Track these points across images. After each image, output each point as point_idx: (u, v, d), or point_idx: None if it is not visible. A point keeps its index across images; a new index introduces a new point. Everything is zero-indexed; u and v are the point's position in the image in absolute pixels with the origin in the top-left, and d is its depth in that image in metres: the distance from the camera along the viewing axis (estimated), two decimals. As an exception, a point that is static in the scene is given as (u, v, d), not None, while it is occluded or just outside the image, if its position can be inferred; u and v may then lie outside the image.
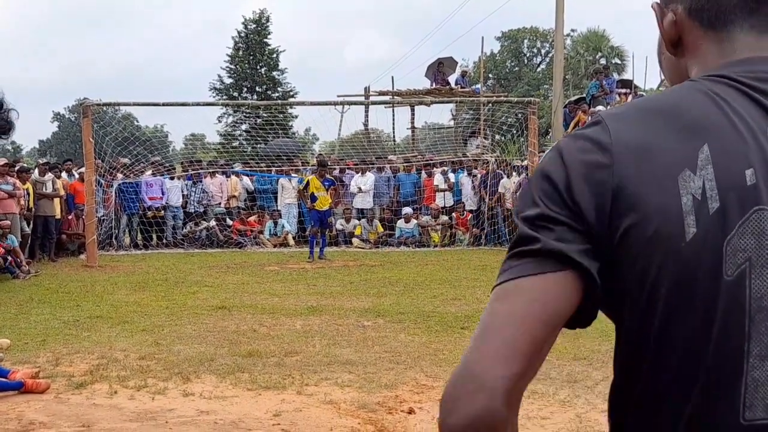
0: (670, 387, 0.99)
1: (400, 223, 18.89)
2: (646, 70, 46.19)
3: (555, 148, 1.04)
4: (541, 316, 0.98)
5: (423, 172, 20.02)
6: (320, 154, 22.77)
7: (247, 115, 36.20)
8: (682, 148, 0.98)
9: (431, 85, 25.22)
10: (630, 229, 0.97)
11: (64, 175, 17.53)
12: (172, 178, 19.07)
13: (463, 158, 20.92)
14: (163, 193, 18.62)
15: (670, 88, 1.08)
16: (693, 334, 0.96)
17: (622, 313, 1.03)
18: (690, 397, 0.97)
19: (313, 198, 14.84)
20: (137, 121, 45.15)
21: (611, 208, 0.98)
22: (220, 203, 19.49)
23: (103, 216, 17.37)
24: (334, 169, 19.94)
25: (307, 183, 15.17)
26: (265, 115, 29.61)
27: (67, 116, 63.80)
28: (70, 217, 16.69)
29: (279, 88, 43.02)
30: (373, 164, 20.47)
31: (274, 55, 43.15)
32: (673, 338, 0.98)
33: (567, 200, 1.00)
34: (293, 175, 19.99)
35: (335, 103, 21.26)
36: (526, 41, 56.45)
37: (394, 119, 28.03)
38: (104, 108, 17.87)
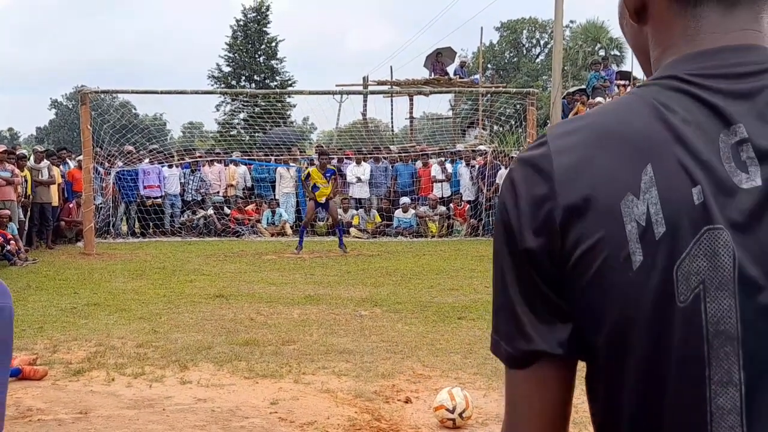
0: (637, 421, 0.94)
1: (398, 213, 18.89)
2: (645, 61, 46.09)
3: (509, 178, 1.00)
4: (546, 406, 0.99)
5: (420, 162, 20.01)
6: (320, 145, 22.72)
7: (245, 103, 36.12)
8: (625, 172, 0.92)
9: (430, 75, 25.18)
10: (578, 263, 0.92)
11: (71, 164, 17.51)
12: (170, 166, 19.06)
13: (462, 150, 20.89)
14: (160, 182, 18.61)
15: (618, 100, 1.01)
16: (650, 366, 0.91)
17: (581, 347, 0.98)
18: (659, 430, 0.93)
19: (315, 188, 14.83)
20: (135, 109, 45.13)
21: (561, 244, 0.93)
22: (218, 192, 19.50)
23: (101, 204, 17.36)
24: (333, 158, 19.93)
25: (308, 174, 15.14)
26: (263, 103, 29.52)
27: (64, 103, 63.67)
28: (71, 205, 16.68)
29: (277, 77, 42.95)
30: (371, 154, 20.46)
31: (273, 44, 43.07)
32: (631, 373, 0.93)
33: (520, 250, 0.96)
34: (291, 164, 19.97)
35: (334, 93, 21.22)
36: (525, 32, 56.39)
37: (392, 109, 28.04)
38: (102, 95, 17.82)
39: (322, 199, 14.85)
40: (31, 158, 15.78)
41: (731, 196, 0.89)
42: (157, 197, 18.58)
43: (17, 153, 15.23)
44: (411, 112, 27.17)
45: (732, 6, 0.98)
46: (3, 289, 1.31)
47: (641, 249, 0.89)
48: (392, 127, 30.34)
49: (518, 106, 21.02)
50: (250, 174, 20.19)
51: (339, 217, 17.50)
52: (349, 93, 23.27)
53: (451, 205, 19.03)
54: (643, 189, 0.90)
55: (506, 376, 1.01)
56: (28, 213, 15.02)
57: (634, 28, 1.07)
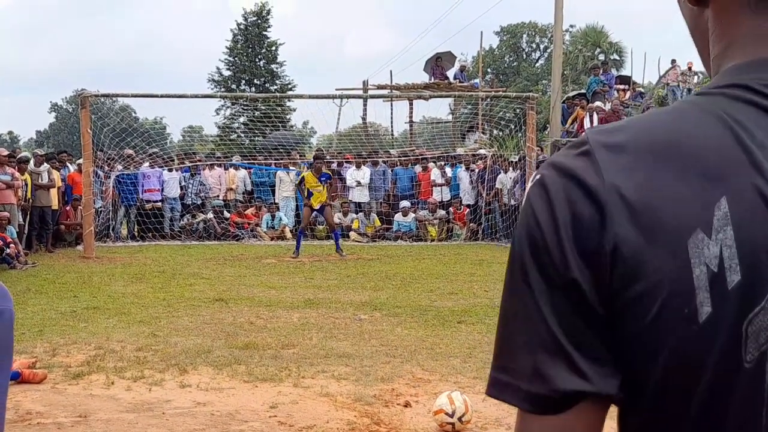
0: None
1: (398, 217, 18.91)
2: (644, 66, 46.25)
3: (539, 185, 0.82)
4: None
5: (420, 166, 20.03)
6: (319, 149, 22.72)
7: (245, 107, 36.16)
8: (695, 203, 0.76)
9: (430, 80, 25.22)
10: (631, 305, 0.77)
11: (71, 167, 17.51)
12: (170, 170, 19.08)
13: (462, 154, 20.91)
14: (160, 186, 18.64)
15: (675, 108, 0.83)
16: (701, 429, 0.78)
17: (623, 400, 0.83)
18: None
19: (309, 194, 14.78)
20: (135, 113, 45.06)
21: (609, 279, 0.77)
22: (218, 195, 19.52)
23: (101, 207, 17.37)
24: (332, 162, 19.95)
25: (302, 178, 15.12)
26: (263, 107, 29.54)
27: (64, 107, 63.71)
28: (67, 208, 16.70)
29: (277, 81, 42.98)
30: (371, 158, 20.48)
31: (273, 48, 43.11)
32: None
33: (565, 281, 0.79)
34: (291, 168, 19.99)
35: (333, 97, 21.25)
36: (525, 36, 56.47)
37: (392, 113, 28.05)
38: (102, 99, 17.84)
39: (317, 205, 14.80)
40: (31, 162, 15.79)
41: None
42: (156, 201, 18.62)
43: (19, 156, 15.24)
44: (411, 116, 27.20)
45: None
46: (3, 292, 1.32)
47: (710, 300, 0.74)
48: (392, 131, 30.39)
49: (518, 110, 21.07)
50: (250, 178, 20.22)
51: (338, 221, 17.53)
52: (349, 97, 23.33)
53: (451, 209, 19.05)
54: (716, 227, 0.75)
55: (524, 423, 0.82)
56: (28, 216, 15.03)
57: (692, 11, 0.90)
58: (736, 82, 0.81)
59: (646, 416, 0.81)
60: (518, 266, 0.82)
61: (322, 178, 14.82)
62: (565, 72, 32.62)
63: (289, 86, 42.91)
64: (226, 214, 19.10)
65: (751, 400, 0.76)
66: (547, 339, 0.79)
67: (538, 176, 0.84)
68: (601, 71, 23.85)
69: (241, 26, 42.80)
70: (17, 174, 14.22)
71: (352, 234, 18.61)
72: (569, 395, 0.78)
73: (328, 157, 19.70)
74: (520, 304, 0.82)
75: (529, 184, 0.85)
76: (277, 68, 43.40)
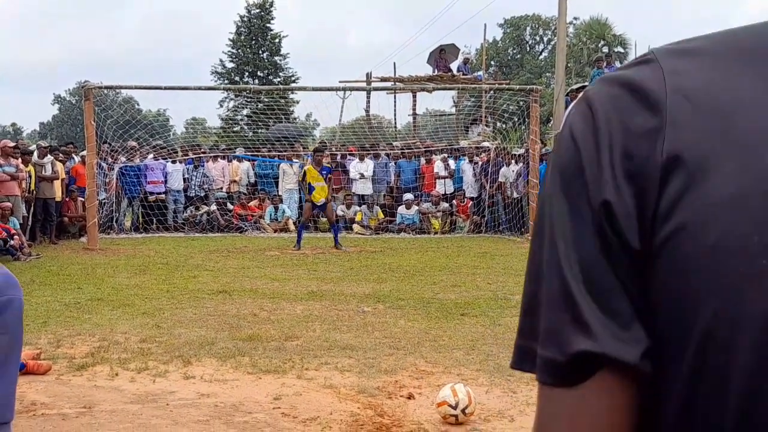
0: None
1: (401, 209, 18.91)
2: (648, 59, 46.01)
3: (583, 101, 0.70)
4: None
5: (423, 158, 20.03)
6: (322, 142, 22.69)
7: (249, 99, 36.14)
8: None
9: (433, 72, 25.17)
10: (678, 234, 0.62)
11: (77, 159, 17.52)
12: (174, 162, 19.10)
13: (465, 147, 20.90)
14: (164, 178, 18.66)
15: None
16: (749, 410, 0.60)
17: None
18: None
19: (311, 188, 14.74)
20: (138, 105, 45.09)
21: (657, 202, 0.63)
22: (221, 188, 19.54)
23: (104, 199, 17.40)
24: (336, 155, 19.95)
25: (305, 173, 15.09)
26: (266, 100, 29.52)
27: (67, 99, 63.74)
28: (68, 200, 16.71)
29: (281, 73, 42.96)
30: (374, 150, 20.48)
31: (277, 40, 43.07)
32: (720, 413, 0.62)
33: (596, 205, 0.65)
34: (295, 160, 19.99)
35: (337, 89, 21.25)
36: (528, 28, 56.34)
37: (395, 105, 28.03)
38: (105, 91, 17.82)
39: (319, 201, 14.75)
40: (35, 153, 15.81)
41: None
42: (160, 193, 18.64)
43: (23, 148, 15.25)
44: (414, 109, 27.17)
45: None
46: (14, 282, 1.33)
47: None
48: (395, 123, 30.35)
49: (521, 103, 21.03)
50: (254, 170, 20.22)
51: (342, 213, 17.55)
52: (352, 89, 23.29)
53: (454, 201, 19.04)
54: None
55: (542, 400, 0.69)
56: (32, 208, 15.06)
57: None
58: None
59: (682, 395, 0.64)
60: (546, 209, 0.69)
61: (323, 171, 14.77)
62: (569, 64, 32.55)
63: (293, 78, 42.91)
64: (230, 207, 19.12)
65: None
66: (562, 288, 0.66)
67: (583, 93, 0.71)
68: (604, 64, 23.75)
69: (245, 18, 42.76)
70: (21, 165, 14.24)
71: (356, 226, 18.62)
72: (578, 359, 0.64)
73: (333, 149, 19.68)
74: (543, 253, 0.68)
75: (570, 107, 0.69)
76: (280, 60, 43.37)
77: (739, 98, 0.63)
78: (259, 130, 27.78)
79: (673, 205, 0.62)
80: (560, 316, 0.65)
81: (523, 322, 0.70)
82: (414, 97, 26.60)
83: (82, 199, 16.24)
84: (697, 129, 0.62)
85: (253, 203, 19.34)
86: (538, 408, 0.69)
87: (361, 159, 19.75)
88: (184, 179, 19.03)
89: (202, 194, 19.15)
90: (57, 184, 15.82)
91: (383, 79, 26.90)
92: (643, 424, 0.66)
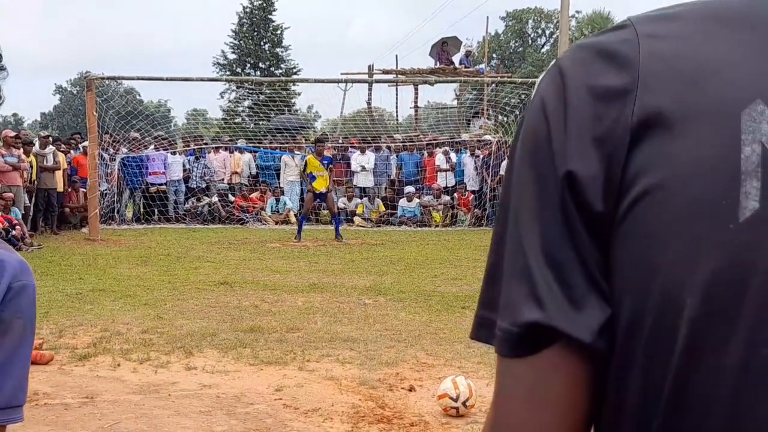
0: None
1: (402, 202, 18.92)
2: (650, 52, 46.02)
3: (555, 67, 0.68)
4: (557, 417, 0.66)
5: (425, 151, 20.02)
6: (324, 133, 22.67)
7: (250, 91, 36.14)
8: (760, 72, 0.60)
9: (435, 65, 25.16)
10: (645, 196, 0.61)
11: (80, 149, 17.51)
12: (174, 153, 19.10)
13: (467, 140, 20.89)
14: (165, 169, 18.66)
15: None
16: (732, 389, 0.59)
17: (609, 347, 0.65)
18: None
19: (312, 178, 14.78)
20: (139, 95, 45.12)
21: (625, 165, 0.62)
22: (222, 179, 19.54)
23: (106, 190, 17.41)
24: (338, 147, 19.95)
25: (306, 163, 15.13)
26: (268, 91, 29.53)
27: (68, 89, 63.69)
28: (69, 190, 16.72)
29: (282, 65, 42.92)
30: (376, 142, 20.48)
31: (279, 32, 43.01)
32: (696, 394, 0.60)
33: (560, 175, 0.64)
34: (296, 152, 19.99)
35: (338, 81, 21.16)
36: (530, 22, 56.25)
37: (397, 98, 28.01)
38: (107, 81, 17.80)
39: (321, 189, 14.78)
40: (36, 144, 15.81)
41: None
42: (161, 184, 18.65)
43: (25, 138, 15.24)
44: (416, 102, 27.15)
45: None
46: (26, 268, 1.36)
47: (759, 192, 0.57)
48: (397, 116, 30.32)
49: (523, 96, 21.00)
50: (255, 162, 20.23)
51: (343, 206, 17.55)
52: (354, 81, 23.23)
53: (456, 194, 19.05)
54: None
55: (500, 372, 0.70)
56: (33, 198, 15.07)
57: None
58: None
59: (628, 366, 0.63)
60: (512, 179, 0.68)
61: (324, 161, 14.81)
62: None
63: (294, 70, 42.86)
64: (231, 198, 19.13)
65: None
66: (521, 260, 0.65)
67: (555, 60, 0.70)
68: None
69: (247, 9, 42.70)
70: (23, 156, 14.25)
71: (357, 219, 18.63)
72: (530, 330, 0.64)
73: (334, 143, 19.67)
74: (507, 224, 0.68)
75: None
76: (282, 52, 43.32)
77: (716, 62, 0.61)
78: (261, 122, 27.77)
79: (642, 168, 0.61)
80: (517, 287, 0.65)
81: (484, 293, 0.71)
82: (416, 89, 26.58)
83: (84, 190, 16.24)
84: (671, 92, 0.61)
85: (255, 195, 19.35)
86: (497, 381, 0.69)
87: (363, 151, 19.75)
88: (185, 170, 19.02)
89: (204, 185, 19.16)
90: (59, 174, 15.83)
91: (385, 72, 26.87)
92: (608, 400, 0.66)
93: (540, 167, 0.65)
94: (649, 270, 0.60)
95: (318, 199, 15.17)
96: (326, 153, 15.27)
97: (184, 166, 19.02)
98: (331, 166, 15.18)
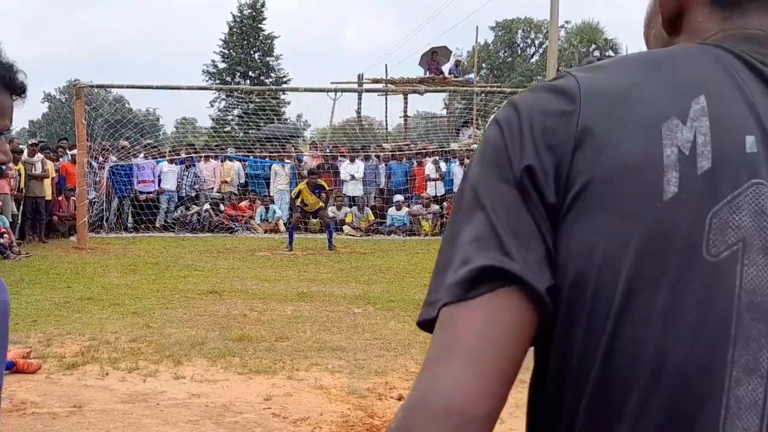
0: (621, 411, 0.75)
1: (391, 211, 18.93)
2: (639, 63, 46.19)
3: (509, 104, 0.84)
4: (506, 347, 0.76)
5: (414, 160, 20.05)
6: (318, 167, 22.44)
7: (240, 100, 36.12)
8: (673, 97, 0.78)
9: (425, 74, 25.23)
10: (588, 187, 0.76)
11: (68, 155, 17.45)
12: (171, 162, 19.05)
13: (456, 149, 20.94)
14: (154, 177, 18.61)
15: (673, 47, 0.89)
16: (658, 333, 0.74)
17: (555, 321, 0.78)
18: (651, 427, 0.74)
19: (304, 204, 15.09)
20: (128, 104, 45.02)
21: (570, 166, 0.77)
22: (212, 188, 19.50)
23: (95, 198, 17.34)
24: (326, 156, 19.95)
25: (299, 192, 15.27)
26: (257, 100, 29.52)
27: (57, 97, 63.48)
28: (60, 199, 16.66)
29: (272, 74, 42.92)
30: (365, 151, 20.50)
31: (269, 41, 43.04)
32: (629, 339, 0.75)
33: (515, 168, 0.78)
34: (286, 161, 19.99)
35: (328, 90, 21.19)
36: (520, 32, 56.45)
37: (387, 107, 28.05)
38: (96, 90, 17.77)
39: (313, 209, 15.21)
40: (25, 152, 15.73)
41: None
42: (150, 192, 18.58)
43: (13, 146, 15.19)
44: (405, 111, 27.19)
45: None
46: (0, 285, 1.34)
47: (678, 180, 0.75)
48: (386, 125, 30.37)
49: (512, 106, 21.02)
50: (245, 170, 20.21)
51: (333, 215, 17.55)
52: (343, 91, 23.26)
53: (445, 203, 19.07)
54: (692, 116, 0.77)
55: (444, 322, 0.77)
56: (21, 207, 15.00)
57: (662, 39, 0.95)
58: (716, 44, 0.85)
59: (569, 323, 0.77)
60: (469, 182, 0.82)
61: (316, 191, 15.04)
62: (560, 68, 32.63)
63: (284, 79, 42.86)
64: (221, 207, 19.10)
65: (715, 303, 0.73)
66: (488, 227, 0.78)
67: (509, 100, 0.86)
68: (595, 68, 23.85)
69: (237, 18, 42.73)
70: (11, 164, 14.19)
71: (346, 228, 18.63)
72: (486, 270, 0.76)
73: (321, 161, 19.67)
74: (464, 216, 0.81)
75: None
76: (272, 61, 43.34)
77: (638, 92, 0.79)
78: (250, 131, 27.73)
79: (583, 168, 0.77)
80: (484, 244, 0.77)
81: (434, 282, 0.80)
82: (405, 99, 26.60)
83: (73, 198, 16.18)
84: (604, 112, 0.78)
85: (244, 203, 19.32)
86: (434, 338, 0.77)
87: (352, 160, 19.77)
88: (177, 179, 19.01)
89: (193, 194, 19.12)
90: (47, 182, 15.76)
91: (375, 81, 26.91)
92: (554, 356, 0.80)
93: (499, 167, 0.80)
94: (592, 245, 0.75)
95: (309, 216, 15.45)
96: (318, 182, 15.40)
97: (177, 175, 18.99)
98: (323, 193, 15.33)
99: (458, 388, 0.74)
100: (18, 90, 1.46)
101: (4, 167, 1.50)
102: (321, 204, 15.16)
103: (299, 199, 15.05)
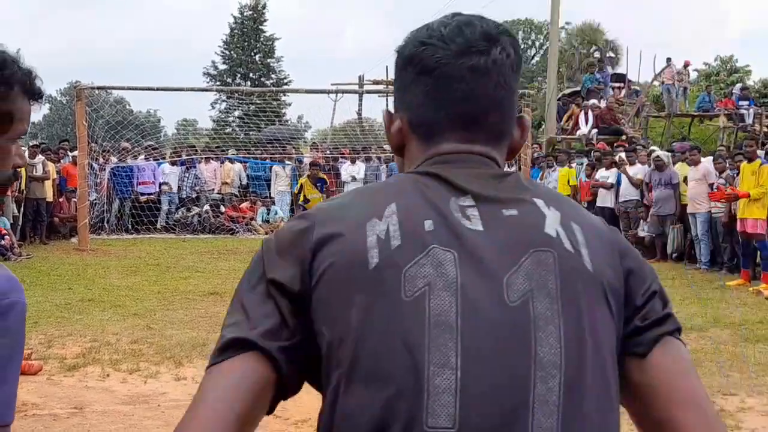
0: (363, 406, 1.05)
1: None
2: (640, 64, 46.23)
3: (272, 235, 1.21)
4: (238, 394, 1.06)
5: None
6: (314, 162, 22.63)
7: (241, 101, 36.12)
8: (374, 207, 1.14)
9: (425, 75, 25.17)
10: (327, 268, 1.10)
11: (69, 156, 17.42)
12: (173, 164, 19.05)
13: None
14: (155, 178, 18.60)
15: (389, 179, 1.28)
16: (378, 349, 1.05)
17: (321, 358, 1.11)
18: (381, 412, 1.03)
19: (306, 201, 14.84)
20: (129, 105, 45.01)
21: (311, 264, 1.11)
22: (213, 189, 19.48)
23: (95, 200, 17.33)
24: (328, 158, 19.93)
25: (301, 186, 15.14)
26: (258, 101, 29.53)
27: (58, 99, 63.51)
28: (61, 200, 16.66)
29: (273, 75, 42.93)
30: (366, 153, 20.49)
31: (270, 43, 43.04)
32: (363, 355, 1.06)
33: (269, 279, 1.12)
34: (287, 162, 19.97)
35: (329, 92, 21.22)
36: (521, 33, 56.44)
37: (387, 109, 28.03)
38: (96, 91, 17.76)
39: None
40: (26, 153, 15.72)
41: (457, 232, 1.11)
42: (151, 194, 18.56)
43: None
44: (406, 112, 27.12)
45: (469, 140, 1.24)
46: (16, 286, 1.35)
47: (378, 254, 1.09)
48: (387, 126, 30.30)
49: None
50: (246, 172, 20.19)
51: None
52: (344, 92, 23.28)
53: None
54: (386, 215, 1.13)
55: (207, 378, 1.09)
56: (22, 208, 14.99)
57: (398, 159, 1.34)
58: (419, 170, 1.22)
59: (328, 361, 1.09)
60: (244, 277, 1.18)
61: (318, 184, 14.88)
62: (561, 69, 32.67)
63: (285, 81, 42.87)
64: (222, 208, 19.09)
65: (414, 325, 1.05)
66: (242, 316, 1.11)
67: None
68: (596, 69, 23.89)
69: (238, 20, 42.73)
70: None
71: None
72: (231, 341, 1.08)
73: (322, 162, 19.66)
74: (239, 300, 1.15)
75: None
76: (274, 63, 43.35)
77: (352, 208, 1.17)
78: (251, 132, 27.73)
79: (319, 263, 1.10)
80: (237, 319, 1.12)
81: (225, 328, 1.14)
82: (406, 100, 26.57)
83: (74, 200, 16.17)
84: (329, 224, 1.14)
85: (245, 205, 19.32)
86: (202, 385, 1.08)
87: (353, 162, 19.75)
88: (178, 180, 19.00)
89: (194, 195, 19.11)
90: (48, 184, 15.75)
91: (375, 82, 26.90)
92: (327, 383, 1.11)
93: (258, 270, 1.15)
94: (331, 312, 1.09)
95: None
96: (319, 175, 15.28)
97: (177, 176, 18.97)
98: (326, 187, 15.17)
99: (201, 426, 1.03)
100: (36, 96, 1.52)
101: (17, 171, 1.52)
102: (323, 199, 14.98)
103: (302, 195, 14.93)
